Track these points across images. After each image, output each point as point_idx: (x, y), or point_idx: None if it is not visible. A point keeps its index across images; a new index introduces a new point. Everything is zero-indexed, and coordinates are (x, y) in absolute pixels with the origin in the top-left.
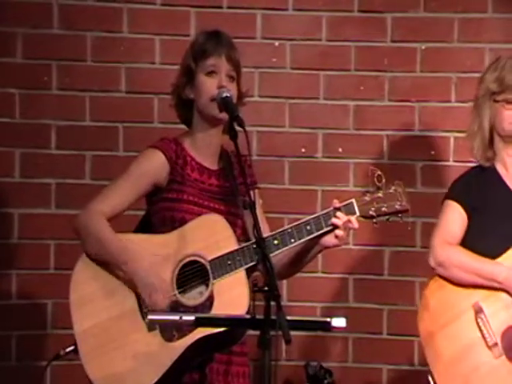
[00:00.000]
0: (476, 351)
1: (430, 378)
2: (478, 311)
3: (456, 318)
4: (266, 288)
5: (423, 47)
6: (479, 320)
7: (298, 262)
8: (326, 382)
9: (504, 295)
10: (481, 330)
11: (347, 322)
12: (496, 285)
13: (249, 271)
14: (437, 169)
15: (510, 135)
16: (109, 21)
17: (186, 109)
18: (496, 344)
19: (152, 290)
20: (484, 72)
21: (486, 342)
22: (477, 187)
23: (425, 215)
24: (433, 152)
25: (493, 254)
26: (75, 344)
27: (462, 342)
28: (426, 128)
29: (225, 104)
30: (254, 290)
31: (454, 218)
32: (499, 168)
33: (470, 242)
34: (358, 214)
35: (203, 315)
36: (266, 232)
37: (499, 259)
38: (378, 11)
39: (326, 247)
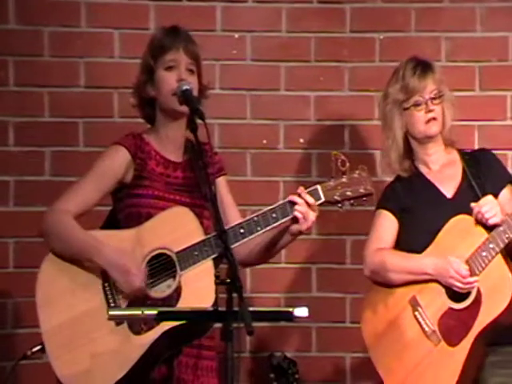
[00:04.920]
0: (416, 345)
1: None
2: (415, 305)
3: (396, 319)
4: (228, 280)
5: (381, 37)
6: (416, 313)
7: (269, 251)
8: (290, 372)
9: (435, 284)
10: (419, 323)
11: (310, 312)
12: (428, 277)
13: (218, 262)
14: None
15: (425, 135)
16: (66, 15)
17: (148, 108)
18: (434, 332)
19: (126, 272)
20: (385, 88)
21: (424, 332)
22: (403, 190)
23: None
24: None
25: (421, 248)
26: (42, 343)
27: (404, 340)
28: None
29: (185, 97)
30: (216, 282)
31: (385, 226)
32: (422, 169)
33: (403, 241)
34: (323, 199)
35: (165, 309)
36: (236, 218)
37: (426, 252)
38: (336, 2)
39: (294, 234)
